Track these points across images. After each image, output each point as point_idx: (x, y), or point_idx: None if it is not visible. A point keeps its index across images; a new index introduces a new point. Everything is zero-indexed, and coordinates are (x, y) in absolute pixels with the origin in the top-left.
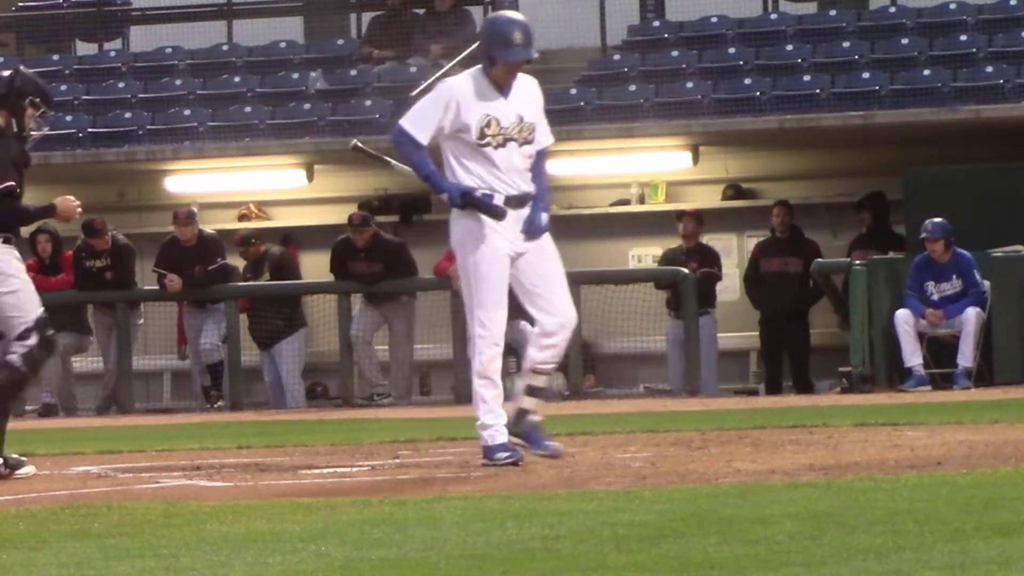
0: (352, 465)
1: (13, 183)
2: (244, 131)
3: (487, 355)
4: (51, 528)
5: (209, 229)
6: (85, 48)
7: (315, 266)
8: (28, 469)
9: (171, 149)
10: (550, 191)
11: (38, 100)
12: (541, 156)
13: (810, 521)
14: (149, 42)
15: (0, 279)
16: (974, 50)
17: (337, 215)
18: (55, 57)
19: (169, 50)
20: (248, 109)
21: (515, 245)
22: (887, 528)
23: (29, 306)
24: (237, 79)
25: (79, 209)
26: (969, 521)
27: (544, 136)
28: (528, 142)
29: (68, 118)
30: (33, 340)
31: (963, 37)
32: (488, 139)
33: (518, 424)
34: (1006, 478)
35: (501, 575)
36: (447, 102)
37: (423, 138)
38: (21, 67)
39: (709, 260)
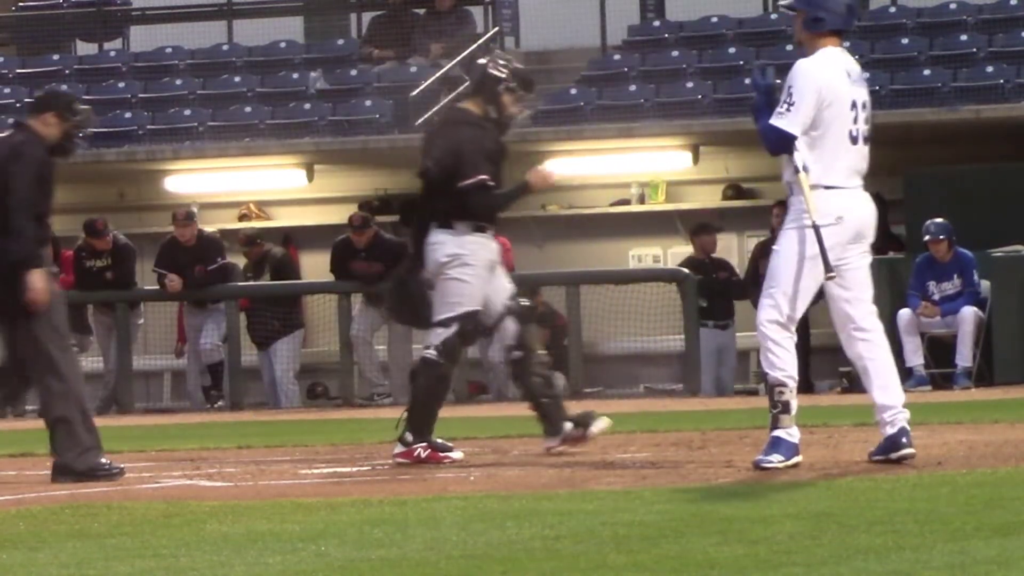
0: (352, 465)
1: (485, 176)
2: (244, 131)
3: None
4: (51, 528)
5: (210, 229)
6: (85, 48)
7: (315, 266)
8: (457, 454)
9: (171, 149)
10: (770, 132)
11: (514, 85)
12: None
13: (810, 521)
14: (149, 42)
15: (456, 263)
16: (974, 50)
17: (337, 215)
18: (55, 57)
19: (169, 50)
20: (248, 109)
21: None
22: (887, 528)
23: (466, 299)
24: (237, 79)
25: (554, 175)
26: (969, 521)
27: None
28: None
29: None
30: (453, 329)
31: (963, 37)
32: None
33: None
34: (1006, 478)
35: (501, 575)
36: None
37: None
38: (499, 50)
39: (731, 269)
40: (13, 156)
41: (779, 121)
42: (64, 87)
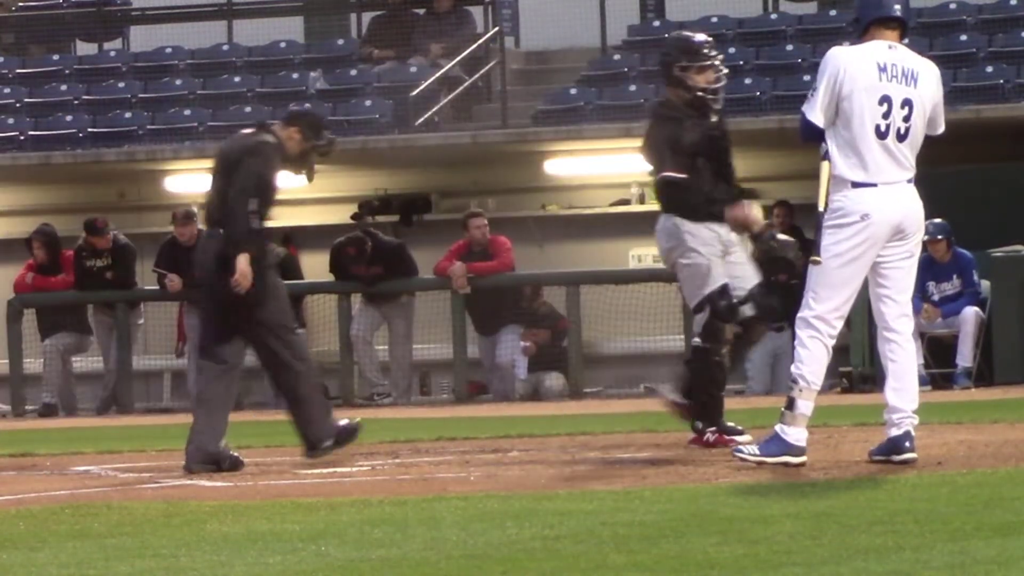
0: (352, 465)
1: (669, 172)
2: None
3: None
4: (51, 528)
5: None
6: (85, 48)
7: (315, 266)
8: (745, 437)
9: (171, 149)
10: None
11: (684, 61)
12: None
13: (810, 521)
14: (149, 42)
15: (681, 250)
16: (974, 50)
17: (337, 215)
18: (55, 57)
19: (169, 50)
20: (248, 109)
21: None
22: (887, 528)
23: (708, 280)
24: (237, 79)
25: (754, 222)
26: (969, 521)
27: None
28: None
29: (68, 118)
30: (705, 315)
31: (963, 37)
32: None
33: None
34: (1006, 478)
35: (501, 575)
36: None
37: None
38: (677, 32)
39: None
40: (251, 151)
41: (804, 107)
42: (64, 87)
